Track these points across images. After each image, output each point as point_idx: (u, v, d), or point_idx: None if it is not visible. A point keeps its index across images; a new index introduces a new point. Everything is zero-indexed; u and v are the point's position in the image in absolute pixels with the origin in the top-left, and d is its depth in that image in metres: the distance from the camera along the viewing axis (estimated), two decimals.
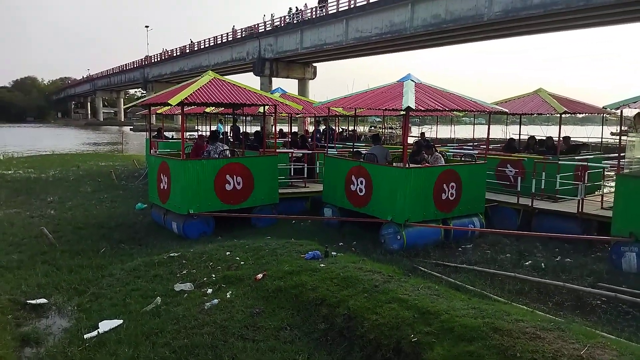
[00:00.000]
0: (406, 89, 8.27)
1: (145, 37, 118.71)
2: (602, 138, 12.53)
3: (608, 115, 12.80)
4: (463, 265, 7.19)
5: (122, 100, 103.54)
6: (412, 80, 8.79)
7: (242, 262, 6.52)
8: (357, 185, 8.68)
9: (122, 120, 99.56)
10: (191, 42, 57.66)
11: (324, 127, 17.38)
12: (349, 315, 4.71)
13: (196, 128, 25.15)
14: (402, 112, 10.42)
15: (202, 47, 54.31)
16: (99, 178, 16.89)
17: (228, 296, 5.58)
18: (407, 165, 8.11)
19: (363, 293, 4.96)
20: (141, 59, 73.24)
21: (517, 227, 9.43)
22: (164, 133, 20.05)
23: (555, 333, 3.98)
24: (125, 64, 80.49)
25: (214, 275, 6.19)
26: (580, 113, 11.52)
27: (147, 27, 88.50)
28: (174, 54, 61.47)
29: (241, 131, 14.55)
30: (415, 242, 7.99)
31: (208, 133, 13.36)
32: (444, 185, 8.31)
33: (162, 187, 9.34)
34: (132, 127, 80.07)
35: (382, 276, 5.39)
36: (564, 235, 8.16)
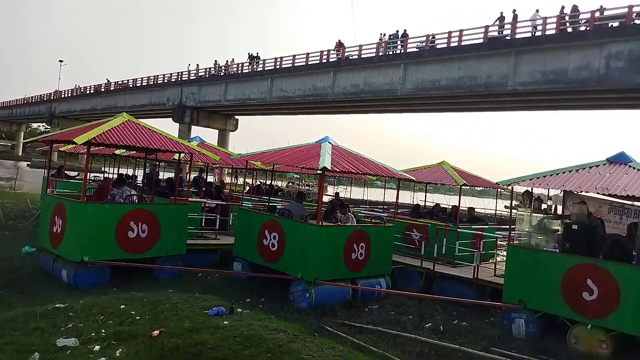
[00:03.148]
0: (323, 150, 8.56)
1: (58, 71, 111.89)
2: (496, 210, 13.73)
3: (502, 190, 14.16)
4: (368, 325, 7.27)
5: (22, 133, 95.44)
6: (330, 143, 9.13)
7: (137, 317, 6.03)
8: (270, 240, 8.60)
9: (20, 154, 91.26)
10: (107, 81, 55.62)
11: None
12: None
13: (103, 169, 23.66)
14: (318, 172, 10.70)
15: (119, 87, 52.54)
16: None
17: (117, 354, 5.08)
18: (320, 223, 8.22)
19: (266, 353, 4.78)
20: (50, 93, 68.92)
21: (420, 289, 9.80)
22: (66, 172, 18.60)
23: None
24: (32, 97, 75.18)
25: (103, 331, 5.63)
26: (477, 186, 12.62)
27: (61, 61, 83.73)
28: (88, 92, 58.68)
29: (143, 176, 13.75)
30: (323, 301, 7.96)
31: (116, 176, 12.65)
32: (354, 245, 8.50)
33: (54, 230, 8.54)
34: (29, 163, 73.54)
35: (287, 335, 5.26)
36: (461, 300, 8.62)
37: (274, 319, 6.21)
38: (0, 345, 5.23)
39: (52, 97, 67.55)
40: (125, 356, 5.04)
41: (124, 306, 6.40)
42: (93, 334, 5.52)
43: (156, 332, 5.44)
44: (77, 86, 61.79)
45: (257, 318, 5.98)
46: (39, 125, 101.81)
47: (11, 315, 6.16)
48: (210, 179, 16.24)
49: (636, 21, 19.33)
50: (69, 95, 63.08)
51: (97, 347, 5.23)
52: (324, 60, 32.03)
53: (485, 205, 30.62)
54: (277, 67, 35.22)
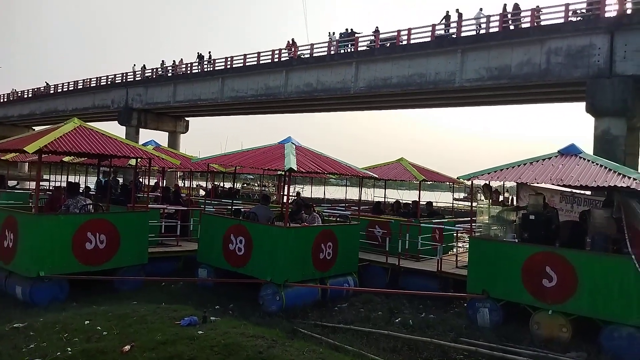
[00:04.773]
0: (287, 150, 8.51)
1: None
2: (453, 204, 14.17)
3: (455, 184, 14.63)
4: (340, 325, 7.31)
5: None
6: (293, 143, 9.09)
7: (104, 332, 5.76)
8: (236, 244, 8.45)
9: None
10: (47, 84, 52.65)
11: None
12: None
13: (45, 178, 22.32)
14: (279, 172, 10.63)
15: (60, 90, 49.88)
16: None
17: None
18: (288, 225, 8.18)
19: None
20: None
21: (386, 284, 9.96)
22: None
23: None
24: None
25: (69, 349, 5.34)
26: (436, 181, 12.98)
27: None
28: (25, 96, 55.32)
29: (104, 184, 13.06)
30: (294, 303, 7.93)
31: (65, 184, 12.00)
32: (322, 244, 8.52)
33: (5, 245, 8.00)
34: None
35: (265, 341, 5.20)
36: (429, 293, 8.84)
37: (250, 325, 6.13)
38: None
39: None
40: None
41: (88, 322, 6.11)
42: (59, 354, 5.23)
43: (127, 347, 5.22)
44: (14, 90, 58.13)
45: (231, 325, 5.86)
46: None
47: None
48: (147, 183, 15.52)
49: (572, 18, 20.47)
50: (5, 100, 59.23)
51: None
52: (276, 60, 31.81)
53: (436, 198, 31.58)
54: (228, 66, 34.61)
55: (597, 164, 7.54)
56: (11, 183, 19.25)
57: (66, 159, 12.77)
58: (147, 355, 5.04)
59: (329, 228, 8.95)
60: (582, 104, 20.63)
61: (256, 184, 35.94)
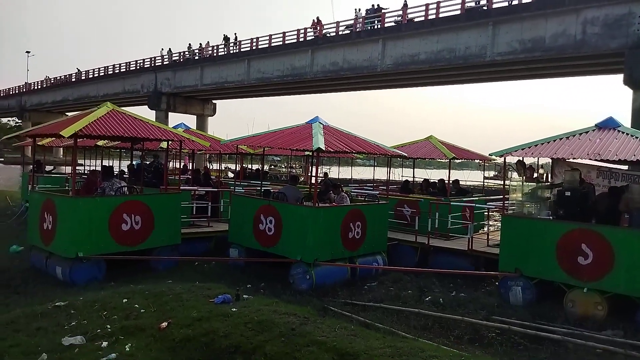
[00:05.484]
0: (315, 130, 8.48)
1: (26, 63, 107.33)
2: (484, 182, 13.90)
3: (484, 162, 14.33)
4: (370, 303, 7.35)
5: None
6: (321, 123, 9.05)
7: (142, 310, 5.97)
8: (266, 224, 8.55)
9: None
10: (78, 70, 53.92)
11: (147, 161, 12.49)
12: None
13: (80, 162, 22.97)
14: (307, 153, 10.63)
15: (91, 76, 51.01)
16: None
17: (127, 349, 5.04)
18: (316, 205, 8.21)
19: (280, 337, 4.80)
20: (19, 86, 66.53)
21: (416, 263, 9.93)
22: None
23: None
24: None
25: (109, 326, 5.57)
26: (466, 159, 12.73)
27: (28, 52, 79.30)
28: (58, 82, 56.86)
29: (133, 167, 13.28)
30: (323, 282, 8.01)
31: (99, 168, 12.33)
32: (351, 224, 8.53)
33: (45, 227, 8.33)
34: (2, 159, 71.33)
35: (298, 318, 5.28)
36: (460, 272, 8.77)
37: (281, 303, 6.23)
38: (5, 348, 5.14)
39: (21, 90, 65.26)
40: (136, 350, 5.01)
41: (126, 300, 6.33)
42: (99, 330, 5.46)
43: (164, 324, 5.41)
44: (47, 77, 59.81)
45: (264, 303, 5.98)
46: (8, 120, 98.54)
47: (11, 316, 6.04)
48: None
49: None
50: (39, 87, 61.04)
51: (104, 344, 5.18)
52: (302, 39, 31.57)
53: (465, 177, 31.09)
54: (254, 48, 34.59)
55: (637, 138, 7.23)
56: (48, 168, 19.95)
57: (100, 143, 13.12)
58: (183, 332, 5.20)
59: (357, 208, 8.94)
60: (620, 76, 19.75)
61: (283, 166, 36.11)
